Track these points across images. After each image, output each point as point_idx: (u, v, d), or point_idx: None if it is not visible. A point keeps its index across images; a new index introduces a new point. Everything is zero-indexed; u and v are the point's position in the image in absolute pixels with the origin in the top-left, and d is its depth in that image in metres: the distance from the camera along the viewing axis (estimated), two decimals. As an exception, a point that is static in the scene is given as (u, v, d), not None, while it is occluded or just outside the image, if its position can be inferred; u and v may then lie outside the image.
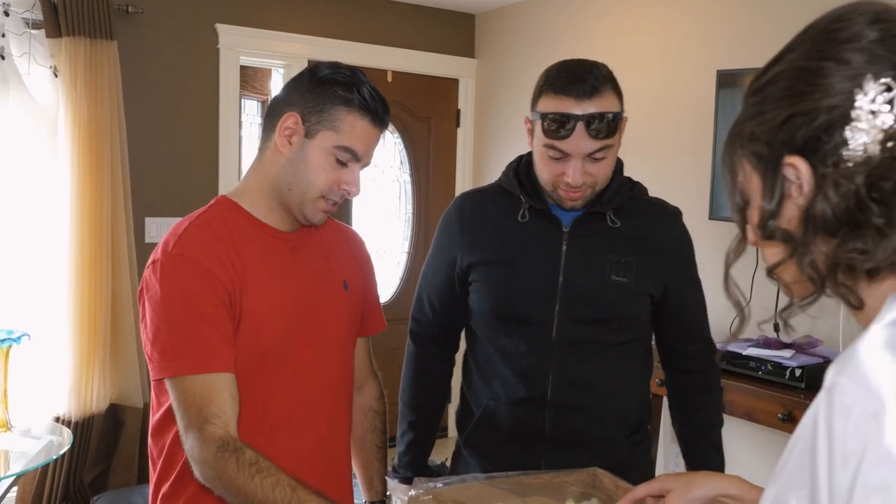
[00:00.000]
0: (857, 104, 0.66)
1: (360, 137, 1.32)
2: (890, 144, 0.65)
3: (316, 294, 1.39)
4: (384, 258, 4.44)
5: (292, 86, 1.36)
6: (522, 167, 1.61)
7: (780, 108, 0.71)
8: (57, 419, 3.21)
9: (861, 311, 0.70)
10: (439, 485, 1.26)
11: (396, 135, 4.32)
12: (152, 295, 1.26)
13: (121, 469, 3.42)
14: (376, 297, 1.59)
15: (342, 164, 1.32)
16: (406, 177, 4.46)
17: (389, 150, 4.39)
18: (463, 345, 1.72)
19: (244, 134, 4.11)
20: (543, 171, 1.50)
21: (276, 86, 4.26)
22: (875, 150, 0.65)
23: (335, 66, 1.33)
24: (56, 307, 3.24)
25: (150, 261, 1.30)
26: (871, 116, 0.66)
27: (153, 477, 1.36)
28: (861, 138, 0.66)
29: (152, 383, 1.32)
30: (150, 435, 1.36)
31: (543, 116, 1.44)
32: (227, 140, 3.77)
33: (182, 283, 1.25)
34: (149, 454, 1.38)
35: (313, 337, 1.38)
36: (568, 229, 1.54)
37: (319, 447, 1.40)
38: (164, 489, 1.33)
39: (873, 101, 0.66)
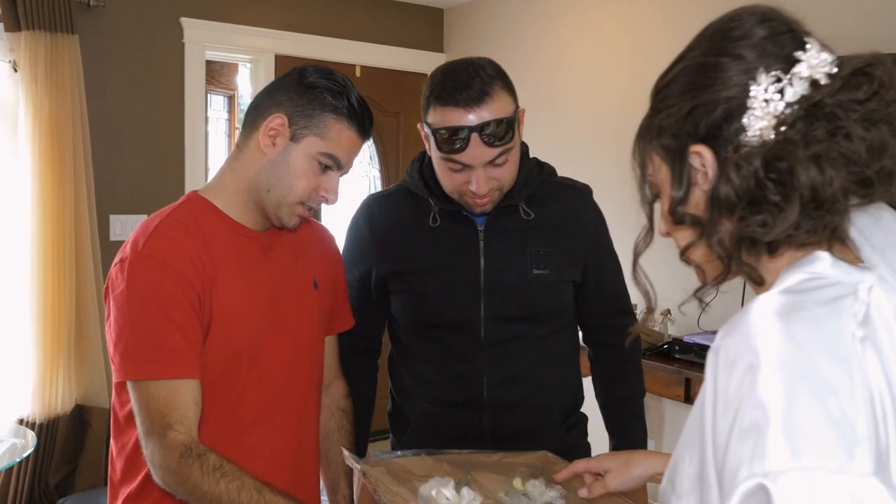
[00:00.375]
0: (752, 94, 0.74)
1: (345, 146, 1.31)
2: (783, 129, 0.72)
3: (286, 294, 1.38)
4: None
5: (280, 86, 1.34)
6: (426, 167, 1.54)
7: (683, 102, 0.78)
8: (21, 421, 3.16)
9: (762, 288, 0.77)
10: (389, 456, 1.28)
11: (365, 130, 4.30)
12: (118, 295, 1.24)
13: (87, 471, 3.37)
14: (345, 294, 1.57)
15: (324, 170, 1.31)
16: (375, 172, 4.44)
17: (358, 145, 4.37)
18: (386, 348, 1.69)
19: (210, 129, 4.06)
20: (446, 182, 1.45)
21: (243, 81, 4.22)
22: (770, 134, 0.73)
23: (327, 73, 1.32)
24: (18, 307, 3.18)
25: (117, 258, 1.27)
26: (764, 104, 0.73)
27: (114, 477, 1.34)
28: (757, 124, 0.73)
29: (114, 384, 1.30)
30: (112, 435, 1.34)
31: (434, 131, 1.38)
32: (193, 136, 3.72)
33: (150, 285, 1.23)
34: (109, 454, 1.35)
35: (284, 337, 1.37)
36: (483, 228, 1.51)
37: (289, 447, 1.39)
38: (129, 490, 1.31)
39: (766, 90, 0.73)
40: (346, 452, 1.29)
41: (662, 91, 0.83)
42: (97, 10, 3.38)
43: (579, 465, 1.20)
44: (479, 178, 1.39)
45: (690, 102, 0.78)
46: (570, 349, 1.64)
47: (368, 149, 4.39)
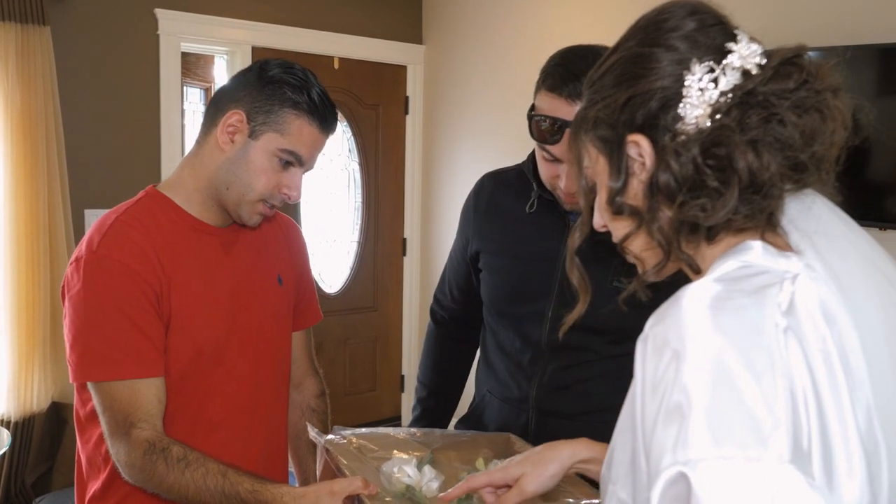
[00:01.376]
0: (686, 83, 0.76)
1: (307, 142, 1.28)
2: (718, 116, 0.74)
3: (249, 291, 1.36)
4: (333, 247, 4.40)
5: (239, 80, 1.31)
6: None
7: (619, 92, 0.80)
8: (-5, 419, 3.11)
9: (698, 276, 0.79)
10: (353, 432, 1.29)
11: (345, 123, 4.27)
12: (74, 295, 1.22)
13: (65, 469, 3.33)
14: (312, 288, 1.56)
15: (285, 166, 1.29)
16: (355, 165, 4.41)
17: (338, 138, 4.34)
18: None
19: (187, 122, 4.01)
20: (541, 170, 1.42)
21: (220, 73, 4.17)
22: (705, 122, 0.75)
23: (287, 66, 1.29)
24: (-9, 304, 3.13)
25: (73, 257, 1.25)
26: (700, 93, 0.75)
27: (79, 475, 1.33)
28: (693, 112, 0.75)
29: (75, 384, 1.28)
30: (77, 434, 1.33)
31: (532, 116, 1.34)
32: (168, 129, 3.67)
33: (107, 285, 1.21)
34: (76, 454, 1.34)
35: (247, 335, 1.35)
36: (574, 225, 1.46)
37: (257, 446, 1.38)
38: (94, 488, 1.30)
39: (700, 80, 0.75)
40: (310, 428, 1.29)
41: (597, 82, 0.84)
42: (69, 1, 3.32)
43: (478, 480, 1.07)
44: (568, 175, 1.34)
45: (626, 93, 0.79)
46: None
47: (348, 142, 4.36)
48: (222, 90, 1.33)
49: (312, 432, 1.27)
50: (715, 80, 0.75)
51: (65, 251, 3.25)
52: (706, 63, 0.75)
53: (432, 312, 1.72)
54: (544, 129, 1.32)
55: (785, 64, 0.75)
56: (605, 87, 0.82)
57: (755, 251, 0.74)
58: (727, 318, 0.68)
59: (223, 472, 1.17)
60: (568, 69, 1.30)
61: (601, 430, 1.24)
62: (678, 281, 0.85)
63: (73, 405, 3.42)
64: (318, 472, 1.31)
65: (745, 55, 0.75)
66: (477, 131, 4.08)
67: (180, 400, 1.27)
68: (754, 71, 0.75)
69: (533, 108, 1.36)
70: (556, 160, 1.35)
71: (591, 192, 0.87)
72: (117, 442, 1.20)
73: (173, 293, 1.25)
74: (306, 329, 1.56)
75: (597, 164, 0.84)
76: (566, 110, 1.29)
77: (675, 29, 0.79)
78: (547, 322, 1.45)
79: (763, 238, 0.75)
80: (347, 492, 1.10)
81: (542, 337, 1.45)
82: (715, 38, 0.77)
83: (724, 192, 0.74)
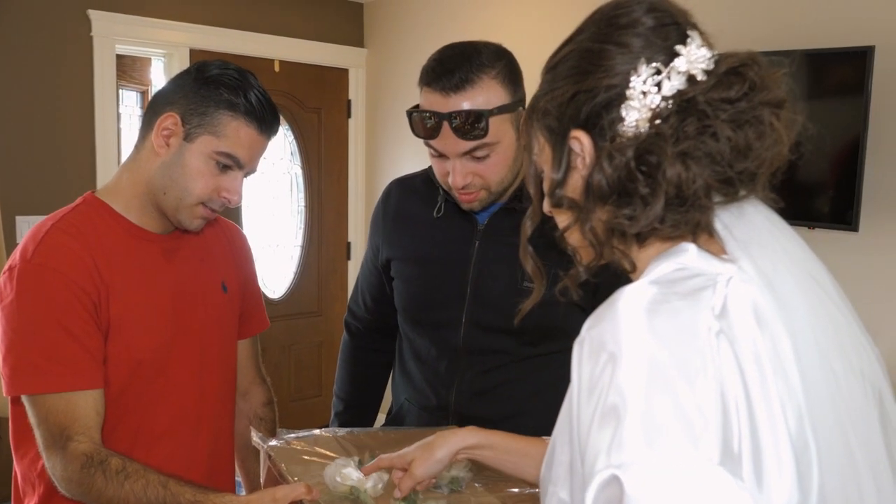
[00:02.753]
0: (631, 84, 0.74)
1: (244, 144, 1.25)
2: (657, 122, 0.73)
3: (192, 298, 1.33)
4: (276, 252, 4.35)
5: (176, 83, 1.28)
6: None
7: (567, 86, 0.79)
8: (-78, 436, 2.98)
9: (634, 274, 0.79)
10: (296, 436, 1.28)
11: (286, 126, 4.22)
12: (7, 305, 1.18)
13: (-2, 484, 3.21)
14: (258, 295, 1.53)
15: (224, 170, 1.25)
16: (297, 169, 4.37)
17: (279, 141, 4.29)
18: None
19: (123, 126, 3.92)
20: (434, 170, 1.40)
21: (157, 75, 4.08)
22: (644, 126, 0.73)
23: (223, 66, 1.26)
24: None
25: (6, 266, 1.21)
26: (642, 96, 0.73)
27: (16, 491, 1.29)
28: (633, 116, 0.74)
29: (9, 398, 1.24)
30: (12, 449, 1.28)
31: (410, 112, 1.33)
32: (104, 132, 3.58)
33: (42, 296, 1.17)
34: (13, 469, 1.30)
35: (191, 344, 1.32)
36: (482, 228, 1.43)
37: (202, 458, 1.36)
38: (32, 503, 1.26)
39: (644, 82, 0.73)
40: (253, 433, 1.27)
41: (550, 72, 0.83)
42: (-3, 1, 3.21)
43: (384, 461, 1.15)
44: (455, 169, 1.32)
45: (574, 87, 0.78)
46: (568, 378, 1.55)
47: (290, 145, 4.32)
48: (159, 93, 1.30)
49: (255, 437, 1.26)
50: (659, 84, 0.73)
51: (-5, 260, 3.14)
52: (654, 65, 0.74)
53: (346, 324, 1.69)
54: (424, 126, 1.30)
55: (729, 73, 0.73)
56: (556, 78, 0.81)
57: (690, 253, 0.74)
58: (662, 321, 0.68)
59: (164, 482, 1.15)
60: (442, 64, 1.30)
61: (523, 433, 1.22)
62: (605, 281, 0.87)
63: (4, 419, 3.29)
64: (261, 479, 1.29)
65: (692, 59, 0.73)
66: (420, 134, 4.08)
67: (121, 411, 1.24)
68: (699, 77, 0.73)
69: (410, 109, 1.35)
70: (442, 156, 1.33)
71: (539, 180, 0.86)
72: (53, 456, 1.16)
73: (112, 302, 1.22)
74: (252, 337, 1.53)
75: (543, 153, 0.84)
76: (442, 103, 1.29)
77: (628, 26, 0.76)
78: (462, 326, 1.42)
79: (696, 242, 0.75)
80: (290, 498, 1.09)
81: (458, 342, 1.43)
82: (668, 38, 0.75)
83: (650, 201, 0.73)
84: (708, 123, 0.72)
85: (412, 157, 4.11)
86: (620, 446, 0.64)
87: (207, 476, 1.35)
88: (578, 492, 0.71)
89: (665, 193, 0.72)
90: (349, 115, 4.47)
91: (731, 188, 0.75)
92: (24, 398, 1.20)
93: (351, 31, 4.42)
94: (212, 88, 1.23)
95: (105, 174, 3.57)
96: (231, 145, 1.24)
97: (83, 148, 3.53)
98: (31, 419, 1.19)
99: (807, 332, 0.72)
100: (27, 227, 3.35)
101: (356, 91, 4.45)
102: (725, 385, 0.66)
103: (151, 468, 1.17)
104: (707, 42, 0.76)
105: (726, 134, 0.72)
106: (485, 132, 1.28)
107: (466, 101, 1.27)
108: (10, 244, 3.27)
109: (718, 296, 0.70)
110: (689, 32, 0.75)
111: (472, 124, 1.27)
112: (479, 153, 1.30)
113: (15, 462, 1.29)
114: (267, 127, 1.27)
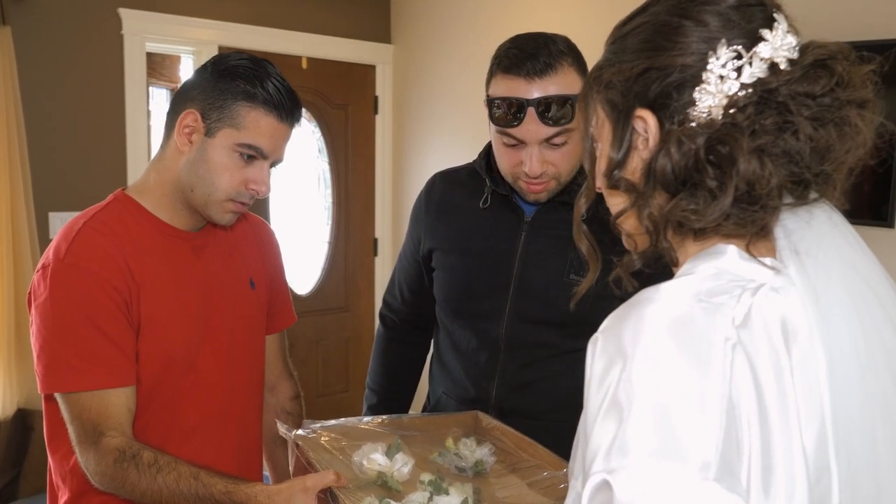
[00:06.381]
0: (708, 67, 0.68)
1: (266, 134, 1.24)
2: (732, 111, 0.67)
3: (220, 295, 1.34)
4: (304, 248, 4.37)
5: (194, 79, 1.28)
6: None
7: (638, 60, 0.73)
8: (-41, 428, 3.05)
9: (676, 268, 0.75)
10: (322, 425, 1.29)
11: (313, 123, 4.24)
12: (41, 304, 1.19)
13: (32, 476, 3.27)
14: (286, 290, 1.53)
15: (249, 161, 1.25)
16: (325, 165, 4.39)
17: (307, 138, 4.31)
18: None
19: (153, 123, 3.96)
20: (501, 160, 1.38)
21: (187, 73, 4.12)
22: (718, 114, 0.68)
23: (240, 58, 1.25)
24: (-47, 310, 3.06)
25: (39, 265, 1.22)
26: (719, 81, 0.68)
27: (51, 485, 1.31)
28: (707, 101, 0.68)
29: (43, 394, 1.25)
30: (47, 443, 1.30)
31: (491, 101, 1.32)
32: (134, 130, 3.62)
33: (75, 294, 1.18)
34: (47, 463, 1.32)
35: (220, 340, 1.33)
36: (529, 220, 1.42)
37: (231, 452, 1.37)
38: (65, 499, 1.28)
39: (724, 66, 0.68)
40: (279, 424, 1.28)
41: (619, 42, 0.77)
42: (31, 1, 3.26)
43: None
44: (532, 156, 1.31)
45: (645, 63, 0.72)
46: None
47: (317, 142, 4.34)
48: (179, 90, 1.30)
49: (282, 428, 1.27)
50: (738, 69, 0.67)
51: (29, 255, 3.19)
52: (735, 47, 0.68)
53: (381, 317, 1.69)
54: (504, 113, 1.30)
55: (816, 65, 0.67)
56: (625, 50, 0.75)
57: (728, 256, 0.70)
58: (680, 328, 0.65)
59: (195, 474, 1.16)
60: (522, 49, 1.30)
61: (563, 428, 1.21)
62: (657, 273, 0.81)
63: (39, 412, 3.36)
64: (290, 469, 1.30)
65: (777, 46, 0.67)
66: (446, 130, 4.08)
67: (154, 408, 1.25)
68: (783, 66, 0.67)
69: (488, 97, 1.34)
70: (518, 144, 1.32)
71: (594, 157, 0.81)
72: (87, 451, 1.18)
73: (143, 300, 1.23)
74: (280, 332, 1.54)
75: (602, 129, 0.78)
76: (525, 89, 1.28)
77: (709, 2, 0.70)
78: (504, 318, 1.42)
79: (750, 246, 0.70)
80: (320, 486, 1.10)
81: (499, 334, 1.43)
82: (752, 20, 0.69)
83: (718, 195, 0.68)
84: (789, 119, 0.67)
85: (439, 152, 4.11)
86: (615, 450, 0.62)
87: (236, 470, 1.36)
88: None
89: (735, 189, 0.67)
90: (376, 112, 4.47)
91: (806, 190, 0.70)
92: (57, 395, 1.21)
93: (378, 27, 4.43)
94: (228, 80, 1.23)
95: (136, 171, 3.61)
96: (252, 136, 1.23)
97: (114, 145, 3.58)
98: (65, 415, 1.20)
99: (848, 353, 0.67)
100: (59, 223, 3.40)
101: (383, 87, 4.46)
102: (737, 398, 0.63)
103: (183, 460, 1.18)
104: (794, 28, 0.70)
105: (807, 132, 0.67)
106: (571, 117, 1.28)
107: (552, 86, 1.28)
108: (44, 240, 3.32)
109: (742, 305, 0.66)
110: (775, 16, 0.70)
111: (563, 109, 1.27)
112: (558, 140, 1.30)
113: (49, 455, 1.30)
114: (287, 114, 1.26)
